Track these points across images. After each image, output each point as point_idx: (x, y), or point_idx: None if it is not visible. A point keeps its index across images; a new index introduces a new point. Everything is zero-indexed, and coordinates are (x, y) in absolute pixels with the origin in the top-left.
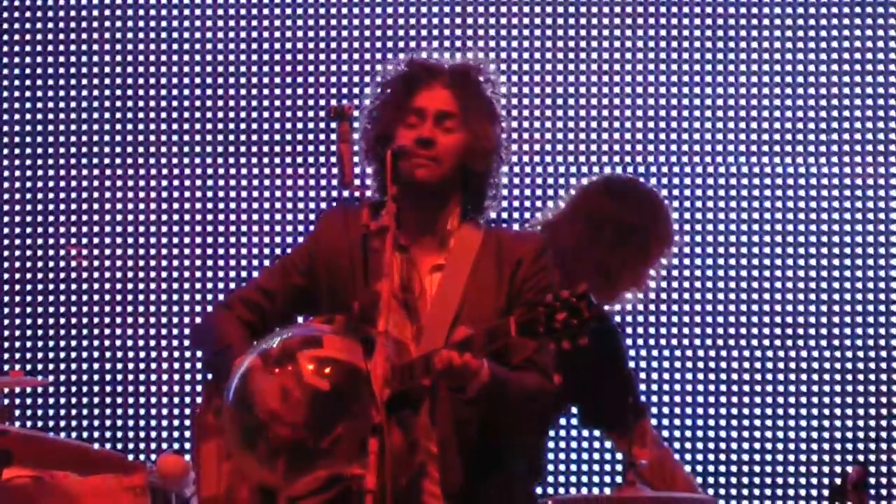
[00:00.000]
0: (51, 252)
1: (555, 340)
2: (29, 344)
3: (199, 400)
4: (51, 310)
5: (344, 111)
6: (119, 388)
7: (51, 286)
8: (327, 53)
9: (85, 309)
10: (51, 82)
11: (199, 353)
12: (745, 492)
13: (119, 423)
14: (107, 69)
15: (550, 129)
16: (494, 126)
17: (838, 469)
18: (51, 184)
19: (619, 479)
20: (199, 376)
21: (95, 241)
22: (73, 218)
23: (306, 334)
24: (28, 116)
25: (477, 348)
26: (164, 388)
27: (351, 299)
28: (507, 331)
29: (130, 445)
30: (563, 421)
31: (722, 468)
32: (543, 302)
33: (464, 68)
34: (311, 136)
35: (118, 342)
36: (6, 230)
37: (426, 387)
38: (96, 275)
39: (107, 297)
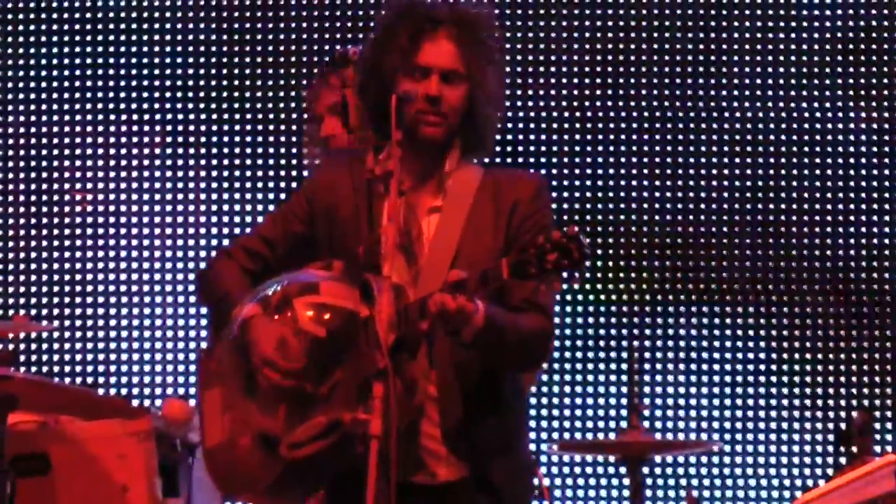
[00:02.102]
0: (56, 198)
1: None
2: (34, 289)
3: (203, 346)
4: (55, 255)
5: (349, 57)
6: (124, 333)
7: (55, 231)
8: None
9: (90, 254)
10: (55, 38)
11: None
12: (751, 436)
13: (124, 368)
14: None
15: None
16: (496, 71)
17: (844, 414)
18: (55, 129)
19: (623, 423)
20: (203, 321)
21: (101, 185)
22: (78, 163)
23: (303, 281)
24: (32, 73)
25: (471, 291)
26: (169, 334)
27: (353, 244)
28: (500, 273)
29: (135, 390)
30: (567, 366)
31: (727, 413)
32: (535, 243)
33: (466, 16)
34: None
35: (123, 287)
36: (10, 175)
37: (423, 331)
38: (101, 220)
39: (111, 242)
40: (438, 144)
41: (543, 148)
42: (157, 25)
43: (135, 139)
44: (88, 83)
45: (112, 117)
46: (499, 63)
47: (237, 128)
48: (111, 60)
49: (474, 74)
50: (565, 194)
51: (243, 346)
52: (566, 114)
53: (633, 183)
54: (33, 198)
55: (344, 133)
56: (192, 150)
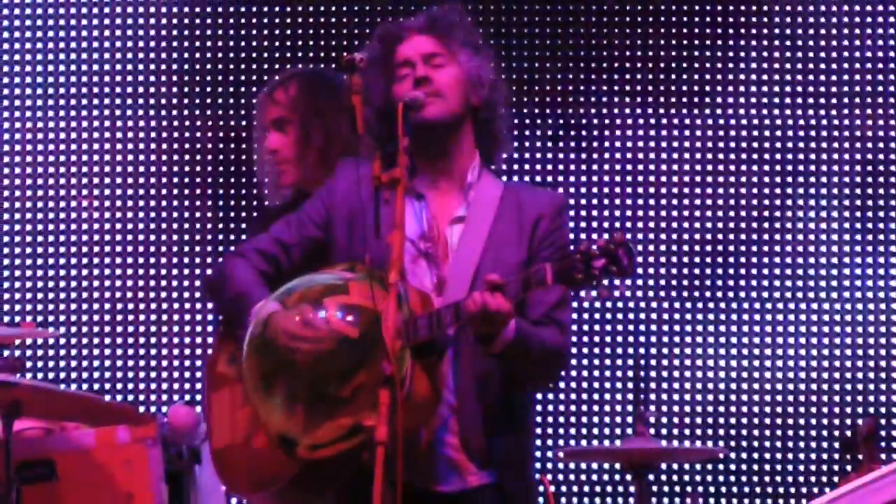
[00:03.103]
0: (61, 204)
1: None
2: (40, 296)
3: (210, 351)
4: (62, 261)
5: (356, 63)
6: (130, 340)
7: (62, 237)
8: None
9: (96, 260)
10: (51, 31)
11: (211, 304)
12: (756, 444)
13: (130, 374)
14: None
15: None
16: (482, 57)
17: (849, 421)
18: (62, 135)
19: (629, 430)
20: (210, 328)
21: (107, 192)
22: (84, 169)
23: (330, 282)
24: (27, 69)
25: (510, 294)
26: (176, 340)
27: (365, 252)
28: (543, 278)
29: (142, 397)
30: (573, 373)
31: (733, 420)
32: (580, 249)
33: (435, 15)
34: None
35: (129, 293)
36: (17, 181)
37: (452, 336)
38: (107, 226)
39: (118, 248)
40: (444, 129)
41: (549, 147)
42: (163, 31)
43: (141, 145)
44: (95, 89)
45: (119, 123)
46: (483, 48)
47: (244, 134)
48: (118, 67)
49: (460, 58)
50: (571, 201)
51: (263, 344)
52: (571, 115)
53: (639, 189)
54: (39, 204)
55: (287, 147)
56: (198, 157)
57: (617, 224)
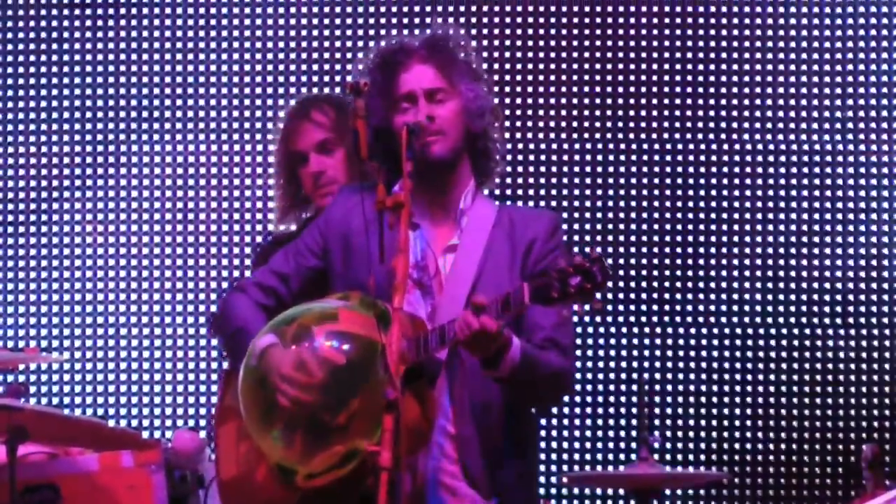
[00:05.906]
0: (66, 228)
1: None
2: (44, 320)
3: (214, 378)
4: (66, 286)
5: (360, 88)
6: (134, 365)
7: (66, 262)
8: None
9: (101, 285)
10: (65, 49)
11: (216, 340)
12: (760, 469)
13: (134, 399)
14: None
15: (568, 106)
16: (480, 84)
17: (854, 446)
18: (66, 160)
19: (633, 456)
20: (214, 353)
21: (111, 216)
22: (89, 194)
23: (322, 310)
24: (43, 103)
25: (492, 315)
26: (180, 365)
27: (366, 277)
28: (521, 297)
29: (146, 422)
30: (577, 398)
31: (737, 445)
32: (556, 267)
33: (434, 39)
34: None
35: (133, 318)
36: (21, 206)
37: (441, 361)
38: (112, 251)
39: (122, 273)
40: (447, 165)
41: (553, 170)
42: (167, 56)
43: (146, 169)
44: (100, 114)
45: (123, 148)
46: (481, 75)
47: (248, 159)
48: (122, 91)
49: (460, 90)
50: (575, 225)
51: (260, 377)
52: (575, 142)
53: (644, 214)
54: (44, 228)
55: (334, 167)
56: (202, 182)
57: (621, 249)
